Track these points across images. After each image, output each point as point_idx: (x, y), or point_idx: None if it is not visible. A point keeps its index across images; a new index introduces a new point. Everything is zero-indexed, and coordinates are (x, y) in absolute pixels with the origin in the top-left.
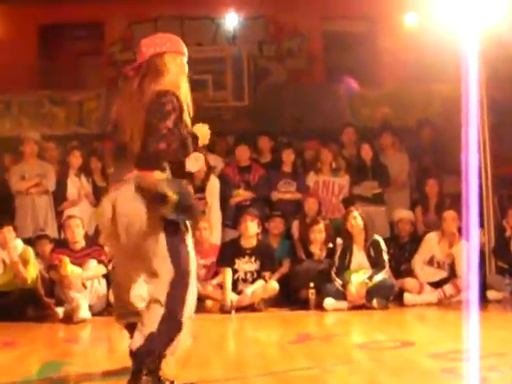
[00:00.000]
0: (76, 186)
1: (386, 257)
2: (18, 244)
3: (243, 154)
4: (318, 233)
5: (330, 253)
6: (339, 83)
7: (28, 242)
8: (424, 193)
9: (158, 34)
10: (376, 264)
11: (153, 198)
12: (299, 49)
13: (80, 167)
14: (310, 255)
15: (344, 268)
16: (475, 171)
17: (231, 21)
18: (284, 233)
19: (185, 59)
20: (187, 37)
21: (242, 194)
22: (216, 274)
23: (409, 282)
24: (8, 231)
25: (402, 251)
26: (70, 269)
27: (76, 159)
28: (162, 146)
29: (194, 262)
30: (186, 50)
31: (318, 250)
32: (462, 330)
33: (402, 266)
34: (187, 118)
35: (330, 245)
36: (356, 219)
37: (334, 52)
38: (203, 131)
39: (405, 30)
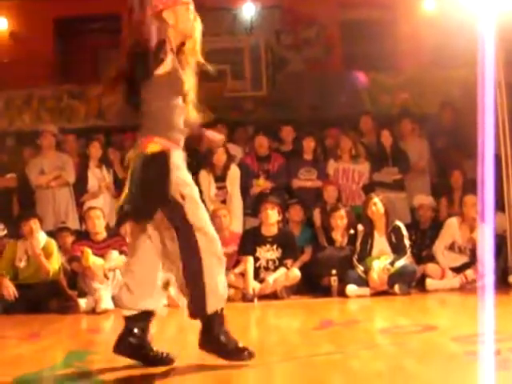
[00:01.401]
0: (97, 177)
1: (407, 242)
2: (42, 237)
3: (262, 143)
4: (340, 219)
5: (352, 239)
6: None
7: (49, 234)
8: (448, 184)
9: None
10: (397, 250)
11: None
12: (317, 37)
13: (100, 158)
14: (331, 242)
15: (366, 254)
16: (491, 155)
17: (248, 11)
18: (305, 220)
19: (188, 7)
20: (204, 27)
21: (261, 185)
22: (238, 263)
23: (430, 267)
24: (34, 223)
25: (423, 237)
26: (92, 260)
27: (96, 150)
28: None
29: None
30: None
31: (339, 236)
32: (484, 313)
33: (423, 252)
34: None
35: (352, 231)
36: (376, 205)
37: (351, 40)
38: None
39: (422, 15)
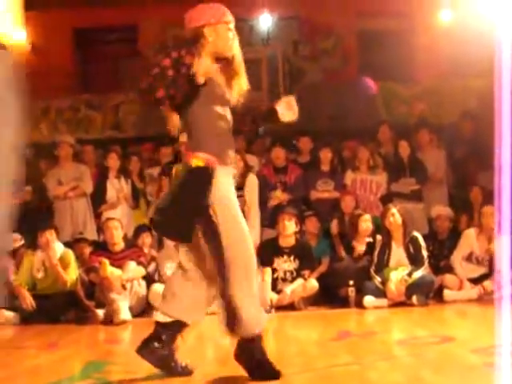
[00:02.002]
0: (115, 188)
1: (425, 253)
2: (59, 247)
3: (279, 154)
4: (365, 222)
5: (370, 248)
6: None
7: (67, 245)
8: (467, 196)
9: (199, 6)
10: (415, 260)
11: None
12: (334, 48)
13: (119, 169)
14: (349, 252)
15: (383, 265)
16: (508, 166)
17: (265, 22)
18: (322, 231)
19: (228, 26)
20: None
21: (278, 197)
22: None
23: (448, 278)
24: (50, 234)
25: (440, 248)
26: (110, 270)
27: (114, 161)
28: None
29: None
30: (229, 18)
31: (359, 244)
32: (503, 325)
33: (441, 263)
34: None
35: (370, 239)
36: (394, 216)
37: (368, 50)
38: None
39: (439, 25)
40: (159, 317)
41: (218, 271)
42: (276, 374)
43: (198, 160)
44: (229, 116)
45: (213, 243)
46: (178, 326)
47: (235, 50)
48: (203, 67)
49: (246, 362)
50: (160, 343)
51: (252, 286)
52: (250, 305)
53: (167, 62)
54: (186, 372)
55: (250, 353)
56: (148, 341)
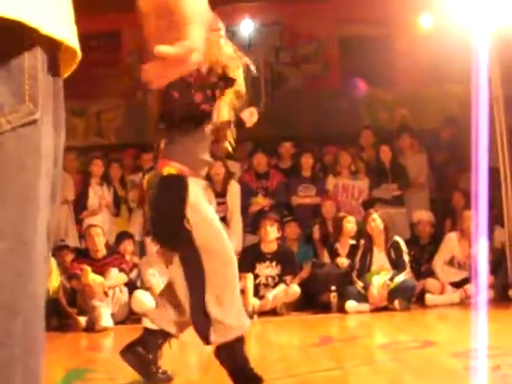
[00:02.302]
0: (98, 194)
1: (406, 258)
2: None
3: (261, 160)
4: (349, 223)
5: (352, 252)
6: (352, 87)
7: None
8: (449, 202)
9: None
10: (397, 265)
11: None
12: (315, 54)
13: (101, 176)
14: (332, 256)
15: (365, 270)
16: (485, 170)
17: (246, 28)
18: (303, 237)
19: (219, 33)
20: None
21: (260, 202)
22: None
23: (430, 282)
24: None
25: (422, 252)
26: (92, 277)
27: (98, 168)
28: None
29: None
30: (219, 25)
31: (343, 247)
32: (484, 329)
33: (422, 267)
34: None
35: (354, 241)
36: (375, 221)
37: (350, 56)
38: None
39: (420, 32)
40: (147, 323)
41: (188, 280)
42: (257, 380)
43: (170, 168)
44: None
45: (188, 251)
46: (164, 335)
47: (231, 60)
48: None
49: (227, 367)
50: (145, 349)
51: (230, 289)
52: (225, 309)
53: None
54: (166, 379)
55: (231, 358)
56: (133, 345)
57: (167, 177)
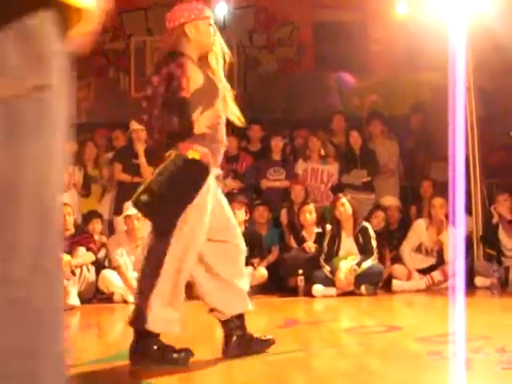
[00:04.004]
0: (68, 172)
1: (374, 243)
2: None
3: (231, 143)
4: (309, 213)
5: (319, 238)
6: (333, 76)
7: None
8: (417, 189)
9: (177, 6)
10: (364, 251)
11: None
12: (289, 38)
13: (73, 155)
14: (299, 242)
15: (333, 255)
16: (462, 159)
17: (221, 10)
18: (272, 220)
19: (208, 22)
20: None
21: (229, 185)
22: None
23: (397, 268)
24: None
25: (390, 238)
26: None
27: (69, 146)
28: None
29: None
30: (208, 13)
31: (309, 235)
32: (449, 314)
33: (390, 253)
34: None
35: (319, 229)
36: (344, 206)
37: (324, 41)
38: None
39: (394, 19)
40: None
41: (147, 262)
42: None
43: (194, 152)
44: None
45: (163, 237)
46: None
47: (217, 45)
48: (193, 78)
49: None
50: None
51: (178, 294)
52: (161, 305)
53: (156, 80)
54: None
55: (146, 345)
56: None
57: (191, 161)
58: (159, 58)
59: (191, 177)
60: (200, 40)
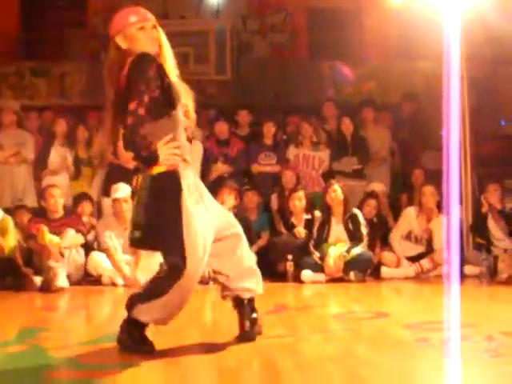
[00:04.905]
0: (60, 155)
1: (364, 230)
2: None
3: (222, 127)
4: (298, 200)
5: (308, 225)
6: (328, 65)
7: (6, 211)
8: (410, 182)
9: (116, 14)
10: (354, 237)
11: None
12: (283, 24)
13: (65, 137)
14: (288, 228)
15: (322, 241)
16: (456, 147)
17: None
18: (262, 205)
19: (137, 26)
20: (170, 10)
21: (220, 169)
22: None
23: (386, 255)
24: None
25: (380, 225)
26: (48, 238)
27: (62, 128)
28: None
29: None
30: (135, 17)
31: (297, 220)
32: (437, 302)
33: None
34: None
35: (308, 216)
36: (336, 192)
37: (317, 28)
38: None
39: (389, 7)
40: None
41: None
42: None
43: (158, 167)
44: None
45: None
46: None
47: (163, 47)
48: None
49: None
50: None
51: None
52: (157, 306)
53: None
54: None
55: (131, 331)
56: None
57: (159, 175)
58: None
59: (166, 190)
60: (135, 49)
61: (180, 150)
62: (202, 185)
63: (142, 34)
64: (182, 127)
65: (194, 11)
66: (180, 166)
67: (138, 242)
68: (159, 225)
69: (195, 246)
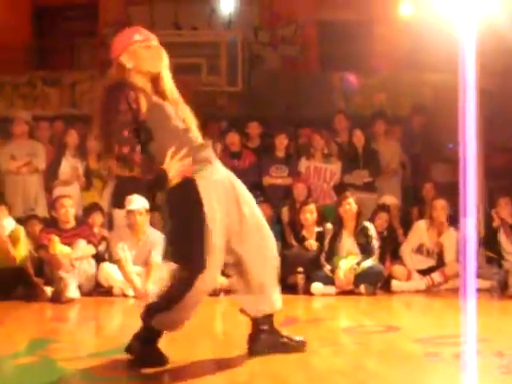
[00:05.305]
0: (71, 165)
1: (375, 243)
2: (10, 223)
3: (233, 139)
4: (310, 213)
5: (319, 237)
6: (337, 76)
7: (18, 221)
8: (421, 196)
9: (118, 35)
10: (365, 250)
11: None
12: (294, 36)
13: (76, 147)
14: (299, 241)
15: (333, 253)
16: (472, 160)
17: (227, 5)
18: (274, 218)
19: (141, 45)
20: (182, 20)
21: None
22: None
23: (397, 268)
24: (0, 210)
25: (391, 238)
26: (59, 248)
27: (73, 138)
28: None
29: None
30: (140, 36)
31: (309, 234)
32: (448, 316)
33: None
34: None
35: (320, 228)
36: (351, 205)
37: (328, 40)
38: None
39: (399, 19)
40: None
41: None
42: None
43: (176, 178)
44: (184, 114)
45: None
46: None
47: (163, 68)
48: (144, 100)
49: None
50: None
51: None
52: (176, 312)
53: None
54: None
55: (144, 342)
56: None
57: (173, 189)
58: (104, 92)
59: (184, 202)
60: (139, 66)
61: (190, 154)
62: (235, 183)
63: (147, 52)
64: (187, 129)
65: (206, 22)
66: (196, 171)
67: (172, 258)
68: (187, 237)
69: (213, 254)
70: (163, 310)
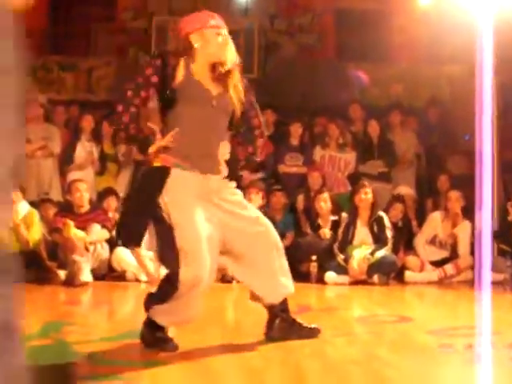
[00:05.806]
0: (86, 150)
1: (389, 233)
2: (24, 207)
3: None
4: (324, 202)
5: (334, 226)
6: (350, 72)
7: (32, 204)
8: (435, 187)
9: (185, 17)
10: (379, 240)
11: None
12: (311, 24)
13: (91, 132)
14: (314, 229)
15: (347, 243)
16: (489, 152)
17: None
18: (288, 206)
19: (216, 31)
20: (201, 7)
21: (246, 178)
22: None
23: (410, 259)
24: (15, 194)
25: (405, 229)
26: (73, 232)
27: (89, 123)
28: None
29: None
30: (213, 23)
31: (325, 223)
32: (461, 308)
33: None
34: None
35: (335, 217)
36: (367, 194)
37: (345, 29)
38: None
39: (417, 9)
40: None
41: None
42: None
43: (157, 161)
44: (213, 119)
45: (167, 248)
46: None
47: (228, 55)
48: (185, 69)
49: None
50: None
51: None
52: (177, 305)
53: (149, 70)
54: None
55: (153, 329)
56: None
57: (149, 169)
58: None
59: (149, 183)
60: (205, 49)
61: (183, 151)
62: (224, 192)
63: (217, 39)
64: (203, 125)
65: (224, 9)
66: (180, 166)
67: (117, 237)
68: (130, 217)
69: (187, 243)
70: (159, 302)
